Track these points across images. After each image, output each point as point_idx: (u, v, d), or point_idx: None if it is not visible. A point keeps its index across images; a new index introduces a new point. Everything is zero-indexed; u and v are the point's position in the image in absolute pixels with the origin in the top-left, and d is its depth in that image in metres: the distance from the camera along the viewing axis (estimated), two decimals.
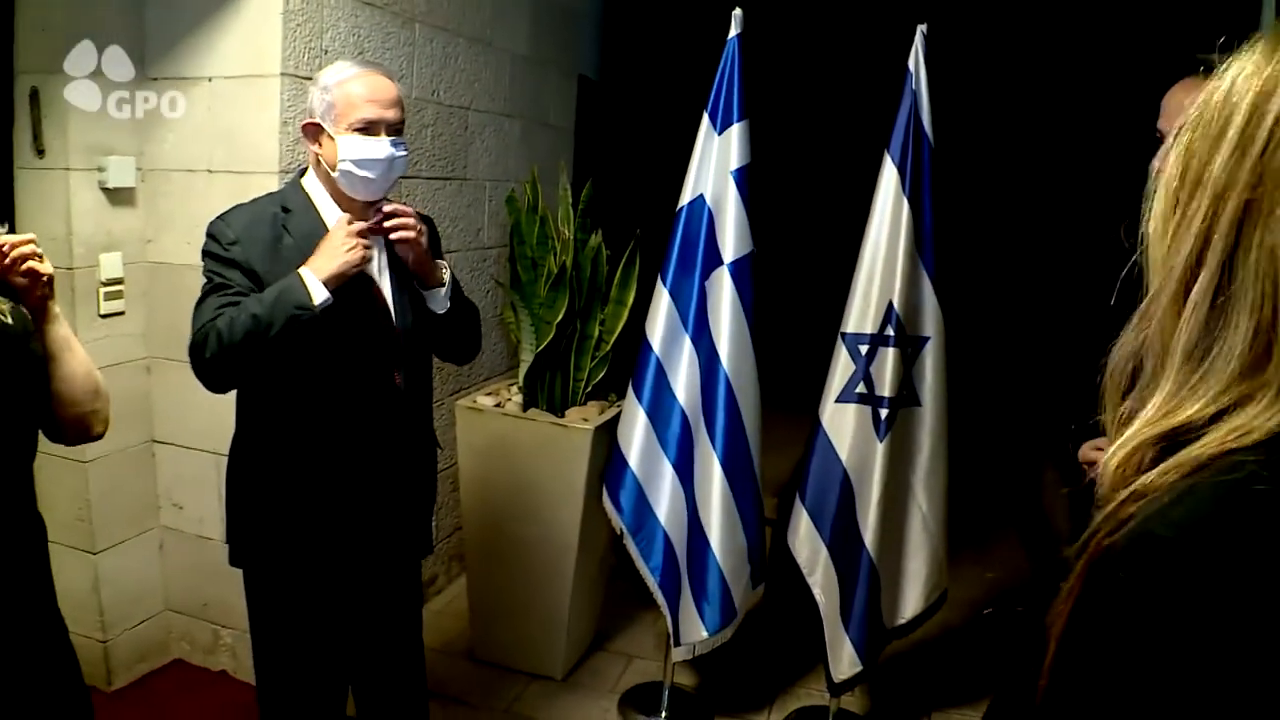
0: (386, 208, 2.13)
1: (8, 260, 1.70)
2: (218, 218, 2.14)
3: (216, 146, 2.85)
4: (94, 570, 2.99)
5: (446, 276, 2.25)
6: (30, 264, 1.72)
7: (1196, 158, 0.72)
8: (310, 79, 2.72)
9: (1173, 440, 0.65)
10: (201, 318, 2.04)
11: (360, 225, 2.05)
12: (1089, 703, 0.63)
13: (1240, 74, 0.71)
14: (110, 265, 2.90)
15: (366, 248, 2.03)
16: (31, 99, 2.80)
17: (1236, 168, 0.69)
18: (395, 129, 2.09)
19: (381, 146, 2.05)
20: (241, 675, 3.14)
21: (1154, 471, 0.65)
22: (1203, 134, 0.72)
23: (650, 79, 4.65)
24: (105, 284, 2.89)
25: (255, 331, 1.94)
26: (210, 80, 2.83)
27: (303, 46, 2.77)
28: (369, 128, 2.05)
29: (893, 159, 2.80)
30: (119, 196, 2.91)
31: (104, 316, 2.90)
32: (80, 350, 1.88)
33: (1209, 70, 1.25)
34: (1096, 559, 0.64)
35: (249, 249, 2.07)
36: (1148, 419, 0.68)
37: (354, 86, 2.07)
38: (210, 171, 2.85)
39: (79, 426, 1.90)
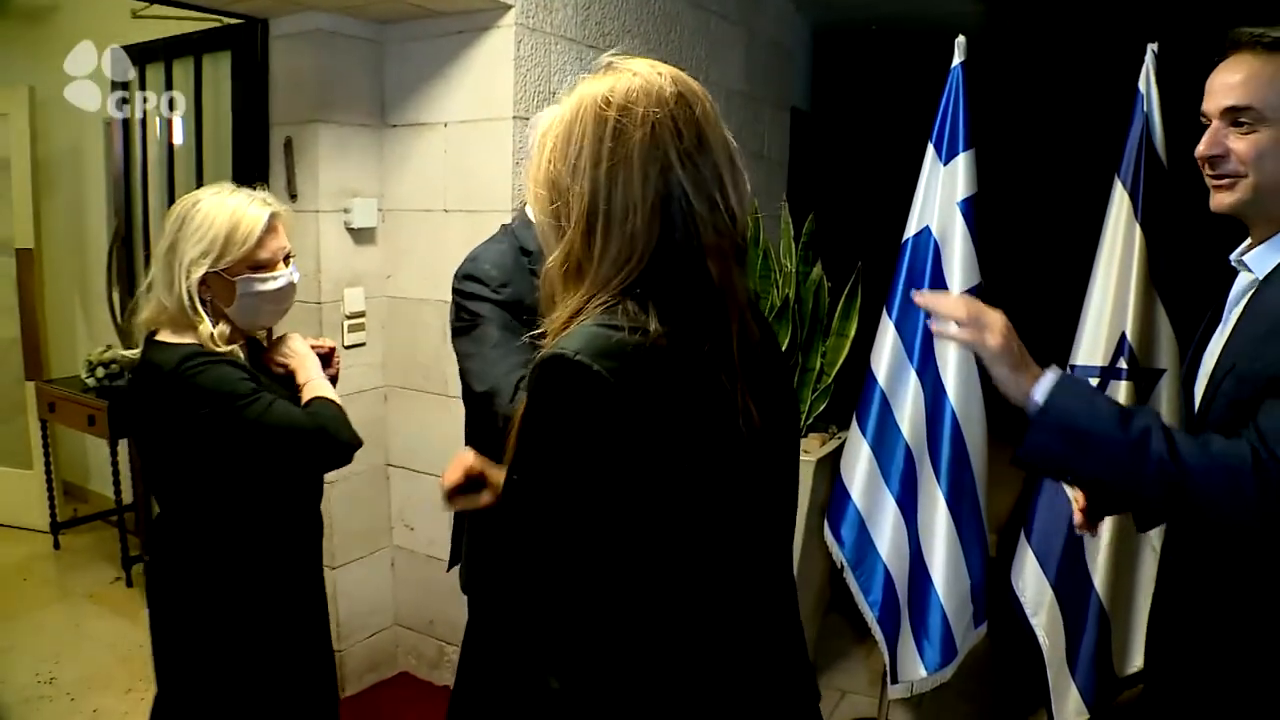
0: None
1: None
2: (473, 261, 2.15)
3: (452, 187, 3.00)
4: (333, 584, 3.17)
5: None
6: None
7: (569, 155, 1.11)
8: None
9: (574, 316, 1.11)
10: (497, 367, 2.03)
11: None
12: (523, 469, 1.11)
13: (588, 93, 1.11)
14: (354, 300, 3.10)
15: None
16: (286, 148, 3.03)
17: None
18: None
19: None
20: None
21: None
22: (576, 132, 1.11)
23: (862, 110, 4.62)
24: (349, 317, 3.09)
25: None
26: (446, 125, 2.99)
27: (532, 90, 2.89)
28: None
29: (1123, 183, 2.69)
30: (362, 235, 3.11)
31: (348, 347, 3.09)
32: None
33: (1247, 44, 1.48)
34: (531, 372, 1.08)
35: (519, 288, 2.08)
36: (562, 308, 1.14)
37: None
38: (446, 211, 3.01)
39: None
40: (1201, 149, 1.55)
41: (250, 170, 3.07)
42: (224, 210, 1.87)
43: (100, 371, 4.16)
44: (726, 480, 1.14)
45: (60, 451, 4.76)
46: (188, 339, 1.86)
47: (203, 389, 1.79)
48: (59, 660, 3.49)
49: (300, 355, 2.06)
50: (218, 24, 3.15)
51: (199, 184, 3.38)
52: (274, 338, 2.13)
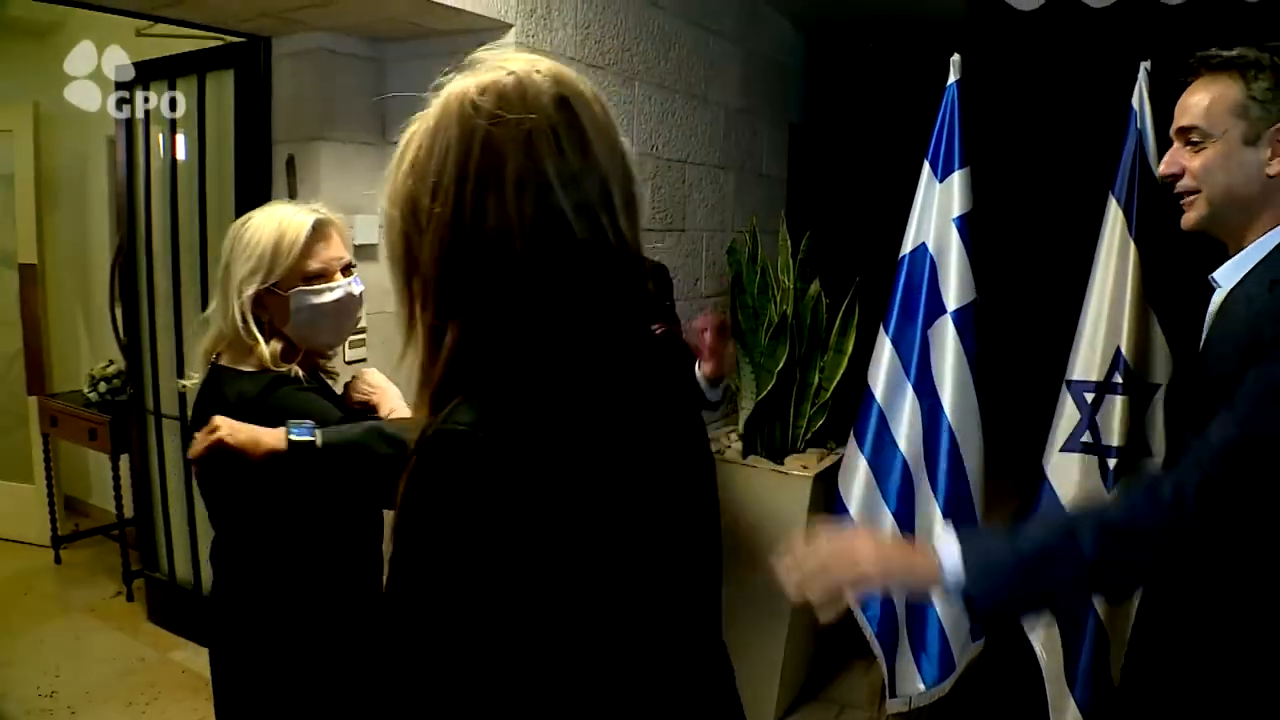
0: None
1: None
2: None
3: None
4: None
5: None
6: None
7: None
8: None
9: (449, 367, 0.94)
10: None
11: None
12: (408, 544, 0.90)
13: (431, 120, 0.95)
14: None
15: None
16: (288, 166, 3.05)
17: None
18: None
19: None
20: None
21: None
22: (440, 141, 0.93)
23: (860, 126, 4.66)
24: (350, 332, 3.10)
25: None
26: None
27: None
28: None
29: (1118, 200, 2.71)
30: (363, 252, 3.12)
31: (349, 363, 3.10)
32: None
33: (1201, 67, 1.58)
34: (415, 448, 0.90)
35: None
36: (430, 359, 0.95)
37: None
38: None
39: None
40: (1160, 170, 1.65)
41: (253, 187, 3.09)
42: (270, 223, 1.77)
43: (102, 386, 4.18)
44: (638, 536, 0.99)
45: (62, 466, 4.77)
46: (253, 365, 1.77)
47: (295, 414, 1.68)
48: (60, 674, 3.50)
49: (382, 389, 1.96)
50: (221, 43, 3.18)
51: (202, 201, 3.41)
52: (350, 379, 2.03)
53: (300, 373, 1.80)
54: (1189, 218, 1.62)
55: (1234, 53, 1.54)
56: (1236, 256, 1.58)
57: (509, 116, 0.91)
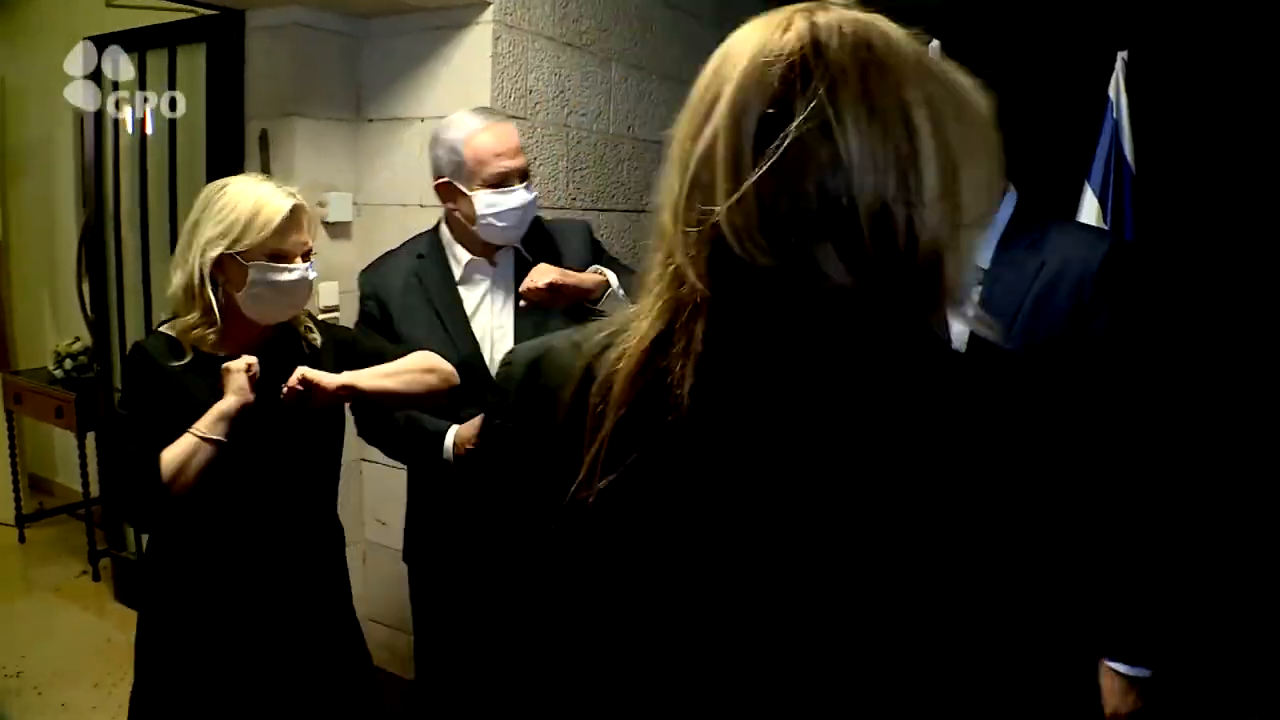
0: (524, 286, 2.13)
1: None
2: (363, 270, 2.34)
3: (427, 182, 2.98)
4: None
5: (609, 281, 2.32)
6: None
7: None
8: (520, 117, 2.86)
9: None
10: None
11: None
12: None
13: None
14: (328, 294, 3.08)
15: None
16: (261, 141, 3.02)
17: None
18: (524, 174, 2.19)
19: (518, 196, 2.17)
20: None
21: None
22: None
23: None
24: (323, 311, 3.07)
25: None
26: (423, 120, 2.99)
27: (510, 87, 2.89)
28: (503, 181, 2.15)
29: (1093, 188, 2.74)
30: (337, 230, 3.11)
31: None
32: (397, 373, 2.03)
33: None
34: None
35: (385, 298, 2.27)
36: None
37: (482, 141, 2.15)
38: (421, 205, 3.00)
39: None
40: None
41: (225, 163, 3.06)
42: (249, 195, 1.85)
43: (68, 363, 4.13)
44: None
45: (27, 444, 4.72)
46: (176, 328, 1.88)
47: (122, 377, 1.81)
48: (25, 654, 3.46)
49: (228, 378, 1.83)
50: (193, 15, 3.13)
51: (172, 176, 3.38)
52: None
53: (186, 352, 1.87)
54: None
55: None
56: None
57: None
